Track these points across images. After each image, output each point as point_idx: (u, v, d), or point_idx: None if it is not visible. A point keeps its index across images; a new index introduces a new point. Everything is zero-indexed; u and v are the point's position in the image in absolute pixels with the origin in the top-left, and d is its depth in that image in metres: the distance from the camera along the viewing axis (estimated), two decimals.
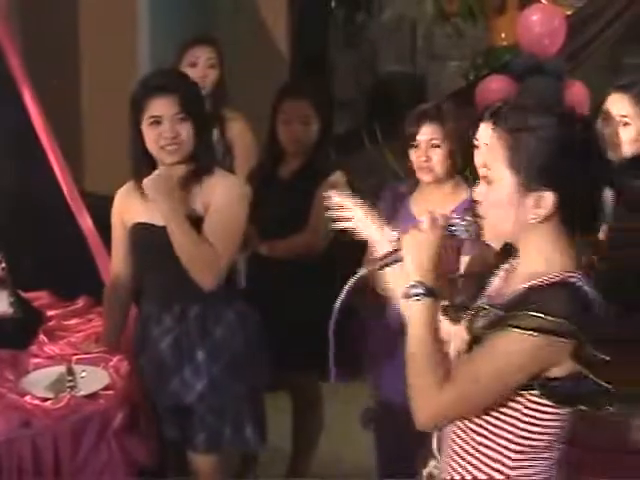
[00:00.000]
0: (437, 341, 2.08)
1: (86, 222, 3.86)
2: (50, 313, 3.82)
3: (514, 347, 1.96)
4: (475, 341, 2.08)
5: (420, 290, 2.06)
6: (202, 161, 3.19)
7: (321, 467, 4.21)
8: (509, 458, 2.08)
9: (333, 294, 2.26)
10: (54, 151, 3.91)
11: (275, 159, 4.06)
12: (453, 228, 2.14)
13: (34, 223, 3.91)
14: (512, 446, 2.07)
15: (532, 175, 1.98)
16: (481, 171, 2.12)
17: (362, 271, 2.20)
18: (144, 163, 3.19)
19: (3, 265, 3.54)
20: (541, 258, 2.04)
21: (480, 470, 2.11)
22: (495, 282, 2.19)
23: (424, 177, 3.44)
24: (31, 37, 5.54)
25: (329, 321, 2.25)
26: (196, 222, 3.15)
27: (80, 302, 3.92)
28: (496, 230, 2.09)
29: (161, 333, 3.24)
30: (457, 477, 2.15)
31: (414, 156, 3.43)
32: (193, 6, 6.18)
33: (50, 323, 3.74)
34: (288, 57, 6.34)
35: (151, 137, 3.13)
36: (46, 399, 3.08)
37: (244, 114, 4.45)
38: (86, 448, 3.03)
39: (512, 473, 2.08)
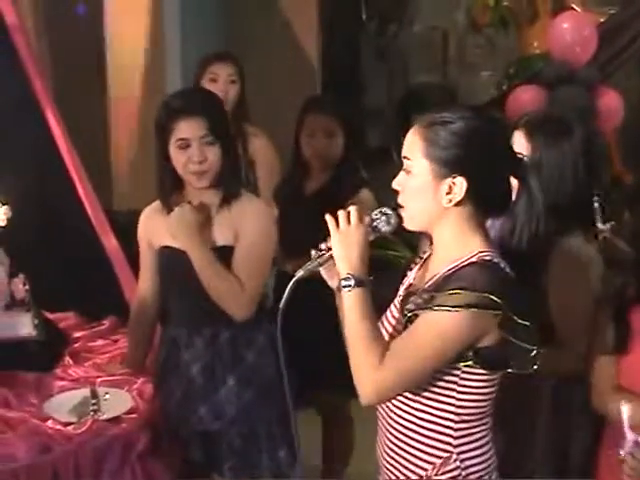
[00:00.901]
0: (370, 324, 2.25)
1: (111, 242, 3.85)
2: (76, 334, 3.80)
3: (446, 325, 2.14)
4: (406, 324, 2.24)
5: (350, 282, 2.24)
6: (229, 185, 3.14)
7: None
8: (452, 429, 2.25)
9: None
10: (78, 172, 3.91)
11: (300, 175, 4.03)
12: (374, 224, 2.31)
13: (59, 244, 3.91)
14: (453, 417, 2.24)
15: (445, 164, 2.18)
16: (404, 163, 2.26)
17: (300, 273, 2.34)
18: (171, 184, 3.15)
19: (27, 287, 3.52)
20: (457, 241, 2.24)
21: (425, 444, 2.28)
22: (414, 269, 2.41)
23: None
24: (57, 53, 5.57)
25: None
26: (226, 252, 3.10)
27: (106, 323, 3.91)
28: (415, 217, 2.27)
29: (192, 357, 3.18)
30: (403, 453, 2.31)
31: None
32: (222, 22, 6.18)
33: (76, 345, 3.72)
34: (319, 71, 6.32)
35: (180, 160, 3.07)
36: (69, 423, 3.05)
37: (275, 130, 4.42)
38: (108, 473, 3.00)
39: (457, 442, 2.26)
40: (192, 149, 3.04)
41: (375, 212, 2.33)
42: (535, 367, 2.23)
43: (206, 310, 3.12)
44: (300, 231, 3.71)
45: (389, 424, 2.35)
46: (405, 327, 2.25)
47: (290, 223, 3.57)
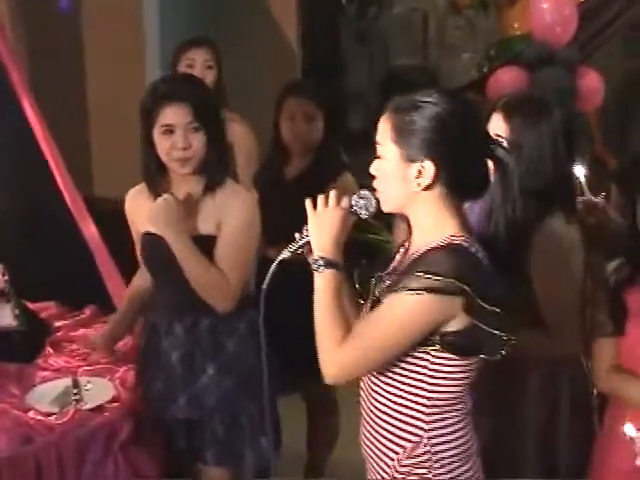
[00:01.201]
0: (337, 306, 2.30)
1: (90, 230, 3.81)
2: (57, 324, 3.78)
3: (407, 308, 2.17)
4: (373, 306, 2.31)
5: (320, 262, 2.30)
6: (214, 173, 3.11)
7: (336, 472, 4.16)
8: (423, 413, 2.28)
9: None
10: (56, 161, 3.88)
11: (280, 160, 4.01)
12: (354, 207, 2.36)
13: (38, 234, 3.89)
14: (424, 401, 2.27)
15: (412, 148, 2.20)
16: (377, 148, 2.29)
17: (283, 255, 2.43)
18: (155, 170, 3.12)
19: (6, 277, 3.49)
20: (430, 225, 2.26)
21: (397, 427, 2.32)
22: (398, 255, 2.42)
23: None
24: (35, 41, 5.52)
25: None
26: (208, 241, 3.08)
27: (87, 312, 3.89)
28: (389, 201, 2.30)
29: (171, 345, 3.16)
30: (379, 437, 2.35)
31: None
32: (201, 7, 6.13)
33: (57, 334, 3.70)
34: (299, 55, 6.29)
35: (163, 147, 3.04)
36: (51, 414, 3.04)
37: (255, 115, 4.39)
38: (91, 463, 2.99)
39: (428, 427, 2.29)
40: (176, 135, 3.01)
41: (355, 196, 2.37)
42: (503, 353, 2.26)
43: (187, 298, 3.09)
44: (281, 216, 3.67)
45: (368, 408, 2.40)
46: (372, 309, 2.32)
47: (271, 209, 3.54)
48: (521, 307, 2.70)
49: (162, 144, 3.04)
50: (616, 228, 3.22)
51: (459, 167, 2.22)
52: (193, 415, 3.16)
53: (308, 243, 2.40)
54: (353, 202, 2.36)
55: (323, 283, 2.30)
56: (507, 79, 4.91)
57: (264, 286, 2.42)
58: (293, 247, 2.43)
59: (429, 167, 2.20)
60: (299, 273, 3.33)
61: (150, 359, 3.22)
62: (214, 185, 3.10)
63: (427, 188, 2.23)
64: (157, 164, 3.09)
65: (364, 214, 2.37)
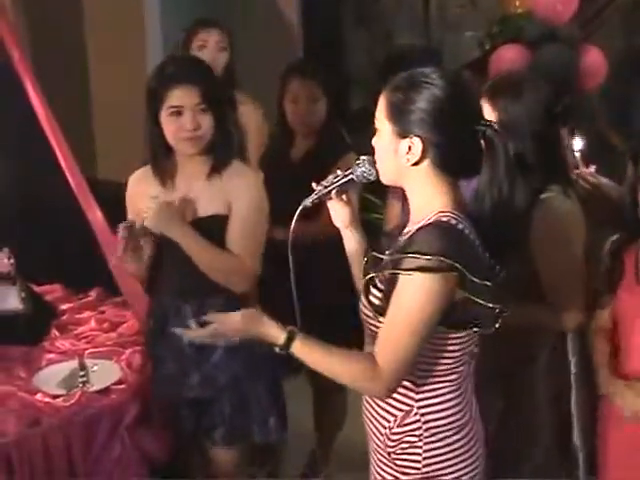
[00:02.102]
0: (329, 352, 2.29)
1: (95, 213, 3.81)
2: (63, 307, 3.81)
3: (415, 292, 2.19)
4: (367, 286, 2.34)
5: (282, 350, 2.30)
6: (221, 153, 3.12)
7: (345, 451, 4.16)
8: (414, 383, 2.32)
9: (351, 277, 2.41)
10: (60, 144, 3.86)
11: (286, 141, 4.00)
12: (354, 175, 2.45)
13: (43, 217, 3.90)
14: (416, 372, 2.30)
15: (405, 124, 2.25)
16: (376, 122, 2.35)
17: (306, 201, 2.50)
18: (161, 152, 3.12)
19: (12, 261, 3.51)
20: (423, 200, 2.31)
21: (390, 397, 2.33)
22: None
23: None
24: (36, 24, 5.51)
25: (348, 305, 2.56)
26: (217, 221, 3.09)
27: (92, 294, 3.92)
28: (385, 173, 2.37)
29: (180, 326, 3.17)
30: (375, 406, 2.40)
31: None
32: None
33: (63, 317, 3.72)
34: (301, 36, 6.27)
35: (171, 128, 3.04)
36: (57, 396, 3.06)
37: (258, 97, 4.38)
38: (98, 444, 3.03)
39: (418, 397, 2.33)
40: (185, 117, 3.01)
41: (355, 164, 2.45)
42: (497, 325, 2.30)
43: (194, 280, 3.10)
44: (286, 197, 3.69)
45: None
46: (366, 288, 2.35)
47: (276, 189, 3.54)
48: (524, 283, 2.76)
49: (170, 125, 3.03)
50: (609, 197, 3.25)
51: (448, 145, 2.26)
52: (204, 394, 3.17)
53: (327, 194, 2.50)
54: (352, 170, 2.44)
55: (301, 353, 2.29)
56: (509, 57, 4.87)
57: (291, 227, 2.48)
58: (313, 196, 2.50)
59: (418, 143, 2.24)
60: (301, 254, 3.38)
61: (159, 341, 3.22)
62: (221, 166, 3.11)
63: (417, 163, 2.27)
64: (163, 145, 3.09)
65: (364, 180, 2.46)
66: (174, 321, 3.17)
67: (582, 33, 4.95)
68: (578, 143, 3.29)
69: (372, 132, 2.40)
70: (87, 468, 2.99)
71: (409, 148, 2.26)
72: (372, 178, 2.44)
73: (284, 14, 6.23)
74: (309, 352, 2.29)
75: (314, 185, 2.53)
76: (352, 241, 2.59)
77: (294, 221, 2.49)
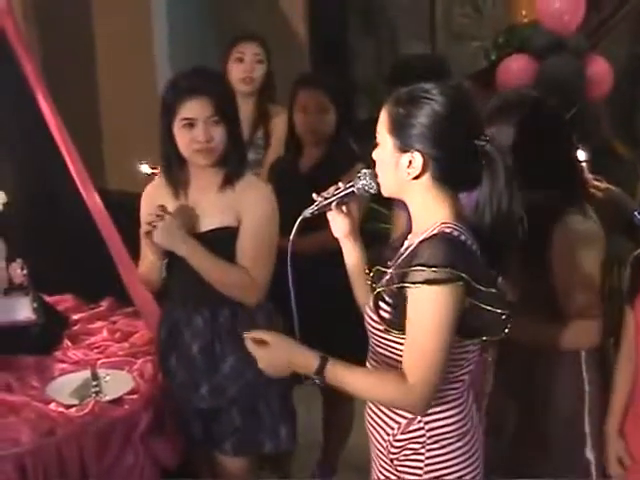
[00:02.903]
0: (362, 373, 2.35)
1: (105, 223, 3.83)
2: (75, 317, 3.82)
3: (429, 304, 2.21)
4: (376, 300, 2.36)
5: (318, 379, 2.30)
6: (233, 165, 3.13)
7: (352, 457, 4.18)
8: None
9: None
10: (71, 154, 3.89)
11: (295, 151, 4.03)
12: (355, 188, 2.47)
13: (54, 227, 3.91)
14: None
15: (406, 139, 2.28)
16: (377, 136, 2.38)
17: (306, 212, 2.54)
18: (175, 163, 3.14)
19: (25, 271, 3.53)
20: (424, 212, 2.35)
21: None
22: (406, 242, 2.44)
23: None
24: (47, 36, 5.54)
25: (355, 313, 2.57)
26: (227, 233, 3.11)
27: (104, 304, 3.93)
28: (386, 186, 2.40)
29: (192, 336, 3.20)
30: (379, 412, 2.42)
31: None
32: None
33: (75, 327, 3.74)
34: (307, 45, 6.28)
35: (184, 140, 3.06)
36: (71, 406, 3.08)
37: None
38: (112, 453, 3.04)
39: None
40: (197, 129, 3.03)
41: (357, 177, 2.48)
42: (506, 331, 2.31)
43: (206, 290, 3.11)
44: (295, 207, 3.72)
45: None
46: (375, 303, 2.37)
47: (285, 199, 3.56)
48: (541, 302, 2.80)
49: (183, 137, 3.06)
50: (620, 204, 3.29)
51: (448, 160, 2.30)
52: (215, 404, 3.19)
53: (327, 205, 2.53)
54: (354, 183, 2.48)
55: (337, 378, 2.30)
56: (516, 68, 4.89)
57: (291, 238, 2.51)
58: (313, 207, 2.54)
59: (418, 158, 2.28)
60: (310, 262, 3.39)
61: (171, 351, 3.25)
62: (233, 178, 3.13)
63: (417, 177, 2.31)
64: (177, 157, 3.12)
65: (365, 194, 2.49)
66: (186, 331, 3.21)
67: (588, 43, 4.96)
68: (582, 154, 3.30)
69: (375, 145, 2.44)
70: (100, 478, 2.99)
71: (410, 162, 2.29)
72: (372, 191, 2.48)
73: (290, 23, 6.25)
74: (341, 378, 2.30)
75: (314, 196, 2.56)
76: (351, 252, 2.62)
77: (293, 232, 2.52)
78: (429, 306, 2.21)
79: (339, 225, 2.58)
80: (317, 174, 3.82)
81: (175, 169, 3.15)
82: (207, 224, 3.13)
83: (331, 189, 2.55)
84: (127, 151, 5.44)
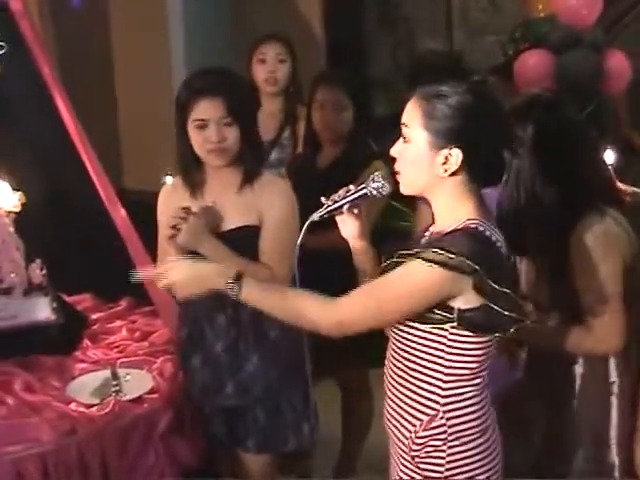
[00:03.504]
0: (281, 294, 2.47)
1: (124, 223, 3.83)
2: (94, 316, 3.83)
3: (414, 275, 2.26)
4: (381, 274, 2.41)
5: (234, 289, 2.43)
6: (250, 164, 3.13)
7: (371, 455, 4.17)
8: (440, 387, 2.36)
9: None
10: (89, 154, 3.90)
11: (313, 149, 4.03)
12: (369, 189, 2.46)
13: (72, 227, 3.92)
14: (441, 376, 2.35)
15: (442, 135, 2.28)
16: (402, 130, 2.36)
17: (314, 216, 2.53)
18: (190, 163, 3.14)
19: (44, 272, 3.54)
20: (450, 209, 2.34)
21: (416, 401, 2.39)
22: (424, 239, 2.46)
23: None
24: (63, 36, 5.56)
25: None
26: (249, 231, 3.11)
27: (122, 304, 3.94)
28: (410, 184, 2.38)
29: (215, 335, 3.19)
30: (399, 410, 2.44)
31: None
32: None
33: (94, 327, 3.75)
34: (323, 43, 6.28)
35: (197, 140, 3.06)
36: (91, 405, 3.09)
37: None
38: (132, 452, 3.05)
39: (444, 401, 2.37)
40: (210, 130, 3.03)
41: (369, 179, 2.48)
42: (512, 330, 2.32)
43: None
44: (313, 205, 3.71)
45: (390, 383, 2.49)
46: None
47: (303, 197, 3.56)
48: (564, 304, 2.78)
49: (196, 138, 3.06)
50: None
51: (482, 156, 2.30)
52: (239, 402, 3.19)
53: (337, 209, 2.52)
54: (365, 185, 2.47)
55: (250, 295, 2.43)
56: (533, 62, 4.87)
57: (298, 242, 2.52)
58: (322, 211, 2.53)
59: (457, 154, 2.28)
60: (326, 261, 3.38)
61: (194, 351, 3.25)
62: (251, 177, 3.13)
63: (452, 174, 2.31)
64: (192, 156, 3.12)
65: (377, 196, 2.49)
66: (208, 331, 3.20)
67: (606, 37, 4.94)
68: (610, 156, 3.26)
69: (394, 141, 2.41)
70: (121, 476, 3.00)
71: (445, 159, 2.29)
72: (385, 193, 2.48)
73: (307, 21, 6.25)
74: (258, 290, 2.43)
75: (323, 200, 2.55)
76: (360, 252, 2.61)
77: (301, 235, 2.52)
78: (419, 278, 2.26)
79: (349, 227, 2.57)
80: (335, 171, 3.82)
81: (191, 169, 3.15)
82: (228, 224, 3.13)
83: (341, 192, 2.53)
84: (144, 151, 5.49)
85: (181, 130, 3.10)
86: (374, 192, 2.47)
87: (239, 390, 3.18)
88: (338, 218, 2.55)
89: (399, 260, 2.37)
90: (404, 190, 2.41)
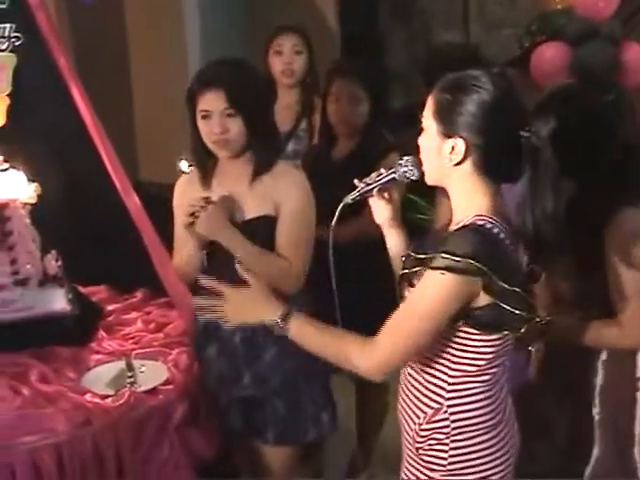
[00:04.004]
0: (326, 332, 2.41)
1: (139, 214, 3.84)
2: (109, 307, 3.84)
3: (435, 288, 2.24)
4: (401, 282, 2.42)
5: (280, 325, 2.43)
6: (261, 155, 3.13)
7: (386, 449, 4.18)
8: (446, 382, 2.37)
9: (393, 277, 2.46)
10: (105, 146, 3.91)
11: (328, 141, 4.02)
12: (396, 174, 2.51)
13: (88, 218, 3.93)
14: (447, 371, 2.36)
15: (450, 125, 2.29)
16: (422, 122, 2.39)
17: (347, 198, 2.58)
18: (203, 154, 3.16)
19: (59, 263, 3.55)
20: (463, 202, 2.35)
21: (422, 394, 2.42)
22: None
23: None
24: (80, 33, 5.57)
25: (392, 303, 2.47)
26: (265, 222, 3.11)
27: (138, 295, 3.95)
28: (428, 173, 2.41)
29: (232, 327, 3.17)
30: (409, 402, 2.46)
31: None
32: None
33: (109, 318, 3.76)
34: (339, 35, 6.27)
35: (203, 131, 3.08)
36: (106, 396, 3.09)
37: None
38: (147, 444, 3.05)
39: (448, 395, 2.37)
40: (212, 121, 3.04)
41: (397, 164, 2.52)
42: (523, 330, 2.31)
43: (245, 280, 3.10)
44: (327, 197, 3.70)
45: (402, 375, 2.52)
46: (401, 286, 2.42)
47: (318, 189, 3.55)
48: (596, 300, 2.76)
49: (202, 128, 3.08)
50: None
51: (490, 148, 2.29)
52: (256, 393, 3.19)
53: (368, 191, 2.56)
54: (395, 169, 2.50)
55: (297, 331, 2.43)
56: (550, 55, 4.85)
57: (332, 224, 2.56)
58: (354, 194, 2.57)
59: (461, 144, 2.29)
60: (346, 254, 3.37)
61: (210, 342, 3.25)
62: (263, 168, 3.13)
63: (459, 164, 2.31)
64: (203, 147, 3.13)
65: (405, 180, 2.52)
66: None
67: (624, 30, 4.91)
68: None
69: (416, 131, 2.42)
70: (136, 468, 3.01)
71: (452, 148, 2.30)
72: (414, 178, 2.49)
73: (322, 13, 6.24)
74: (304, 329, 2.42)
75: (356, 182, 2.58)
76: (393, 239, 2.63)
77: (335, 219, 2.56)
78: (433, 288, 2.25)
79: (381, 211, 2.60)
80: (350, 164, 3.82)
81: (204, 160, 3.17)
82: (244, 214, 3.13)
83: (373, 175, 2.57)
84: (160, 144, 5.49)
85: (193, 121, 3.11)
86: (402, 176, 2.50)
87: (256, 380, 3.18)
88: (371, 202, 2.59)
89: (416, 259, 2.38)
90: (427, 179, 2.43)
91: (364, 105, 3.88)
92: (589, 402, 2.89)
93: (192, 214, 3.05)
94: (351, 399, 4.20)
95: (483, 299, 2.25)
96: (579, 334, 2.77)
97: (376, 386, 4.14)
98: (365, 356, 2.32)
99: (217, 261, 3.16)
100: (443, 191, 2.45)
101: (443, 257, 2.21)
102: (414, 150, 2.44)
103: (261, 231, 3.10)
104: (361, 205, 2.97)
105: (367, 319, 3.37)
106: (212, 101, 3.04)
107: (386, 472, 4.18)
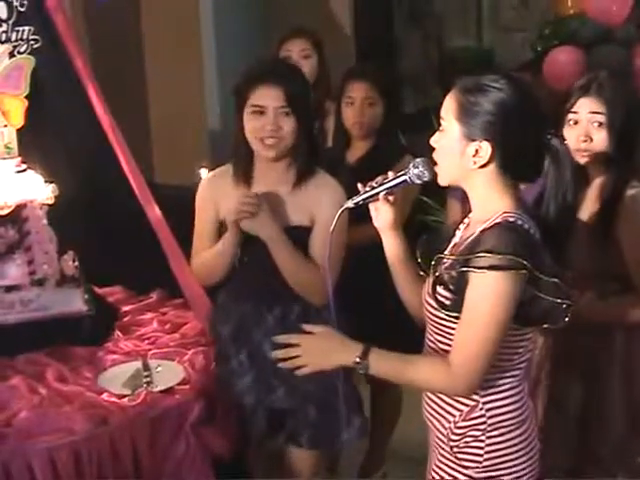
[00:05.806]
0: (407, 364, 2.37)
1: (155, 215, 3.85)
2: (125, 308, 3.86)
3: (488, 292, 2.23)
4: (434, 284, 2.37)
5: (361, 365, 2.35)
6: (305, 161, 3.08)
7: (400, 450, 4.19)
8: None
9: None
10: (122, 147, 3.92)
11: (343, 144, 4.03)
12: (408, 176, 2.48)
13: (104, 219, 3.94)
14: None
15: (474, 128, 2.30)
16: (440, 122, 2.39)
17: (348, 203, 2.56)
18: (244, 155, 3.10)
19: (76, 263, 3.57)
20: (486, 202, 2.36)
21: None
22: (459, 231, 2.48)
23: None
24: (97, 35, 5.60)
25: (403, 307, 2.56)
26: (300, 233, 3.08)
27: (153, 296, 3.96)
28: (445, 174, 2.40)
29: (263, 334, 3.13)
30: (438, 401, 2.45)
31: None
32: None
33: (125, 318, 3.78)
34: (353, 38, 6.29)
35: (251, 127, 3.01)
36: (123, 396, 3.12)
37: None
38: (164, 443, 3.07)
39: (484, 392, 2.37)
40: (266, 117, 2.99)
41: (410, 165, 2.49)
42: (566, 319, 2.31)
43: (278, 287, 3.08)
44: None
45: None
46: (434, 289, 2.38)
47: None
48: (613, 275, 2.82)
49: (250, 124, 3.02)
50: None
51: (514, 151, 2.31)
52: (291, 404, 3.18)
53: (375, 195, 2.54)
54: (406, 171, 2.49)
55: (377, 367, 2.37)
56: (563, 59, 4.88)
57: (331, 229, 2.54)
58: (356, 199, 2.56)
59: (486, 147, 2.30)
60: (356, 258, 3.38)
61: (238, 349, 3.22)
62: (305, 175, 3.09)
63: (482, 167, 2.32)
64: (246, 149, 3.08)
65: (417, 182, 2.50)
66: (255, 330, 3.17)
67: (637, 34, 4.93)
68: None
69: (430, 133, 2.43)
70: (152, 467, 3.03)
71: (476, 151, 2.31)
72: (426, 179, 2.49)
73: (336, 17, 6.26)
74: (384, 366, 2.37)
75: (359, 186, 2.57)
76: (392, 243, 2.61)
77: (334, 223, 2.54)
78: (489, 292, 2.23)
79: (383, 216, 2.57)
80: (364, 167, 3.82)
81: (244, 160, 3.11)
82: (283, 220, 3.08)
83: (379, 179, 2.55)
84: (176, 146, 5.52)
85: (239, 120, 3.06)
86: (415, 178, 2.49)
87: (290, 392, 3.15)
88: (372, 206, 2.57)
89: (452, 261, 2.37)
90: (440, 180, 2.43)
91: (379, 107, 3.89)
92: (607, 380, 2.91)
93: (242, 210, 2.98)
94: (365, 399, 4.20)
95: (525, 294, 2.26)
96: (601, 311, 2.79)
97: (390, 386, 4.15)
98: (449, 379, 2.31)
99: (249, 266, 3.14)
100: (453, 192, 2.48)
101: (484, 256, 2.22)
102: (429, 150, 2.45)
103: (296, 241, 3.05)
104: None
105: (376, 324, 3.42)
106: (268, 97, 2.99)
107: (400, 468, 4.20)
